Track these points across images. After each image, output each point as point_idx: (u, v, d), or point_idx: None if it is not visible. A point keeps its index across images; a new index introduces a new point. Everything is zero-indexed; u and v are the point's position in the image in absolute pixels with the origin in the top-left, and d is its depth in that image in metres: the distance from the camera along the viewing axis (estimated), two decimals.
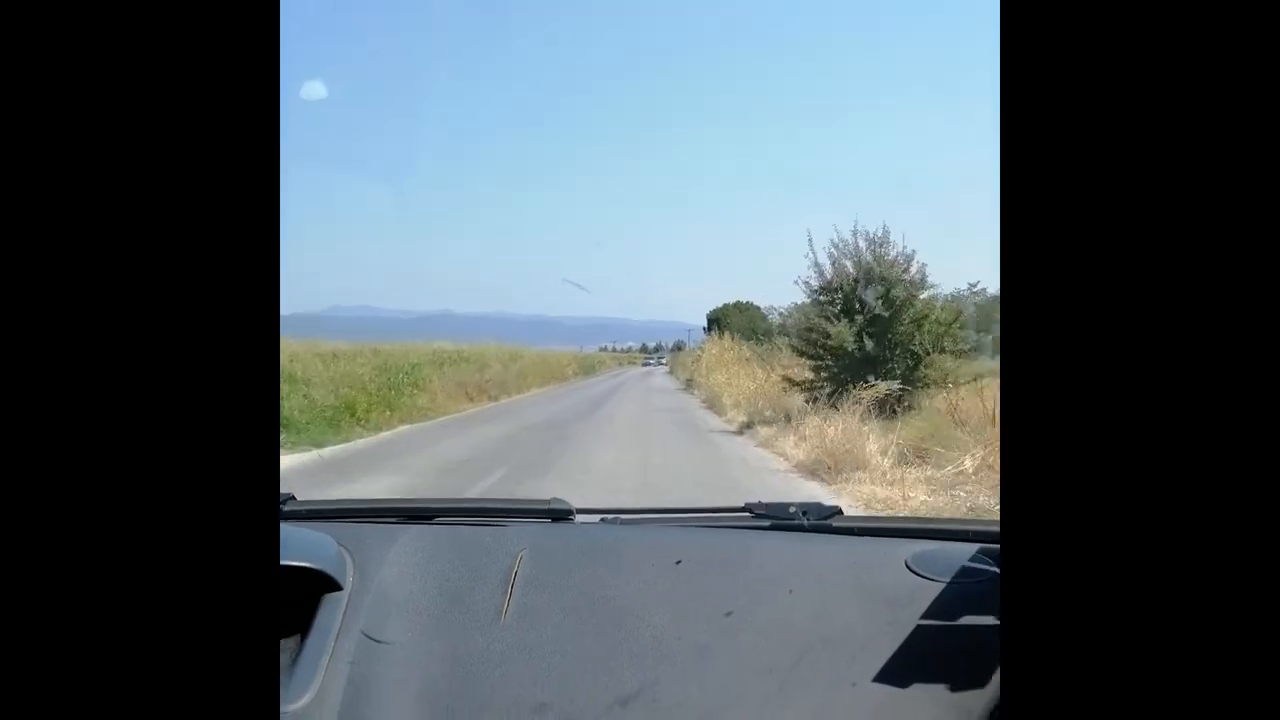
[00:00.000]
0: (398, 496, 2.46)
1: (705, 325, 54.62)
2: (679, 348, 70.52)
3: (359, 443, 10.98)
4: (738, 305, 54.17)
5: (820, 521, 1.18)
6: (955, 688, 0.88)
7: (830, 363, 11.54)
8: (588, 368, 46.73)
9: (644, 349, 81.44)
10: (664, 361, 61.95)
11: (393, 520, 1.26)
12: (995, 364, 5.47)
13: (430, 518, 1.27)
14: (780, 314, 16.17)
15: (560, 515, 1.26)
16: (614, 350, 60.48)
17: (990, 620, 0.92)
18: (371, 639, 0.97)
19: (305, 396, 12.51)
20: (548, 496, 1.28)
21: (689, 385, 26.01)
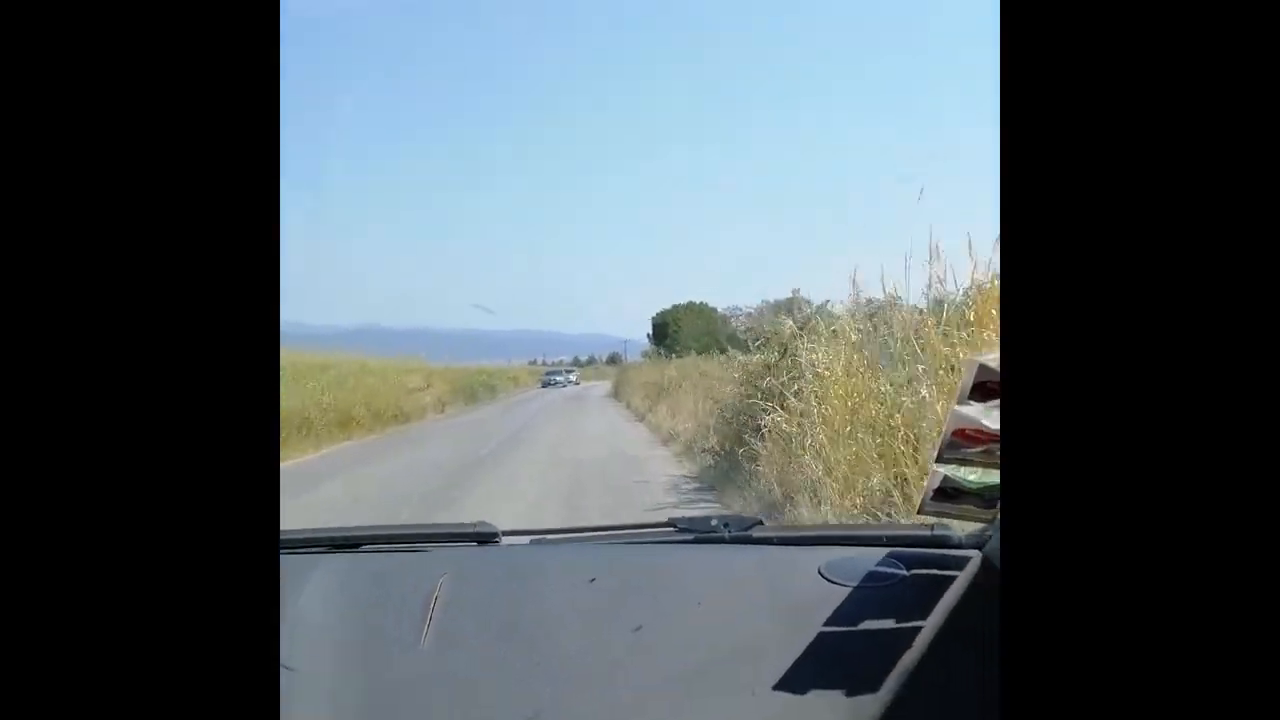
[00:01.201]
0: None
1: (650, 332, 45.10)
2: (614, 360, 66.17)
3: None
4: (690, 307, 44.88)
5: (740, 533, 1.19)
6: (851, 692, 0.90)
7: None
8: (468, 392, 27.38)
9: (576, 362, 74.51)
10: (574, 379, 45.45)
11: (318, 550, 1.24)
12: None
13: (356, 546, 1.26)
14: (744, 314, 13.91)
15: (485, 538, 1.26)
16: (544, 364, 56.12)
17: (890, 623, 0.96)
18: (286, 667, 0.95)
19: None
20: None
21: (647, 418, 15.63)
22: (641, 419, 16.56)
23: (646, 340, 45.44)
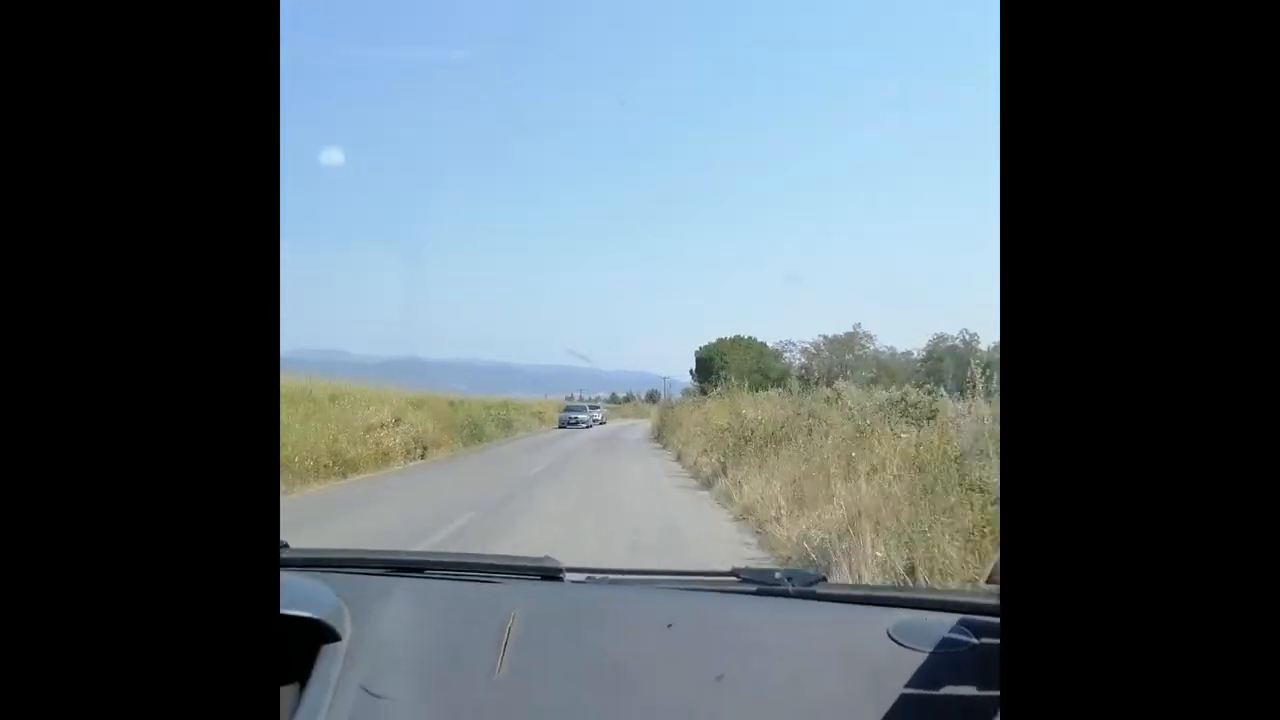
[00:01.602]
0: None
1: (693, 368, 40.37)
2: (653, 398, 61.99)
3: None
4: (737, 341, 40.83)
5: (805, 588, 1.19)
6: None
7: None
8: (471, 430, 21.37)
9: (614, 399, 69.30)
10: (599, 417, 39.25)
11: (384, 572, 1.28)
12: None
13: (420, 570, 1.28)
14: (799, 349, 9.48)
15: (550, 574, 1.26)
16: (580, 400, 51.42)
17: (970, 690, 0.96)
18: (370, 694, 0.99)
19: None
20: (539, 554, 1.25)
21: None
22: (708, 485, 10.98)
23: (690, 377, 41.15)
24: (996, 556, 0.92)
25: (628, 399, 71.92)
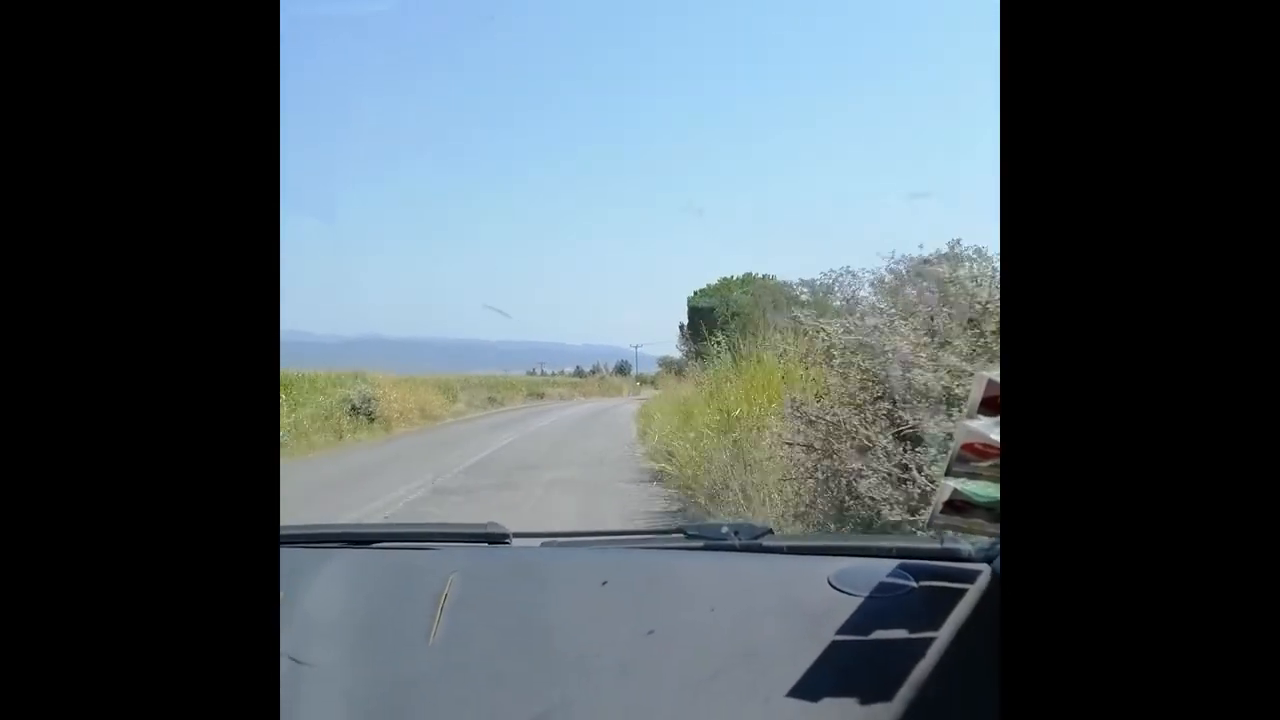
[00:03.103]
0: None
1: (684, 323, 30.50)
2: (623, 370, 57.73)
3: None
4: (746, 280, 28.61)
5: (751, 541, 1.20)
6: (862, 701, 0.91)
7: None
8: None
9: (579, 373, 63.93)
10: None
11: (330, 545, 1.26)
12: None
13: (369, 543, 1.27)
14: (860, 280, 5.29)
15: (496, 539, 1.26)
16: (541, 374, 47.37)
17: (902, 634, 0.97)
18: (295, 660, 0.97)
19: None
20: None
21: None
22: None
23: (678, 337, 31.33)
24: (935, 499, 0.93)
25: (594, 372, 66.37)
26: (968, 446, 0.84)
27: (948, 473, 0.89)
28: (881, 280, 4.92)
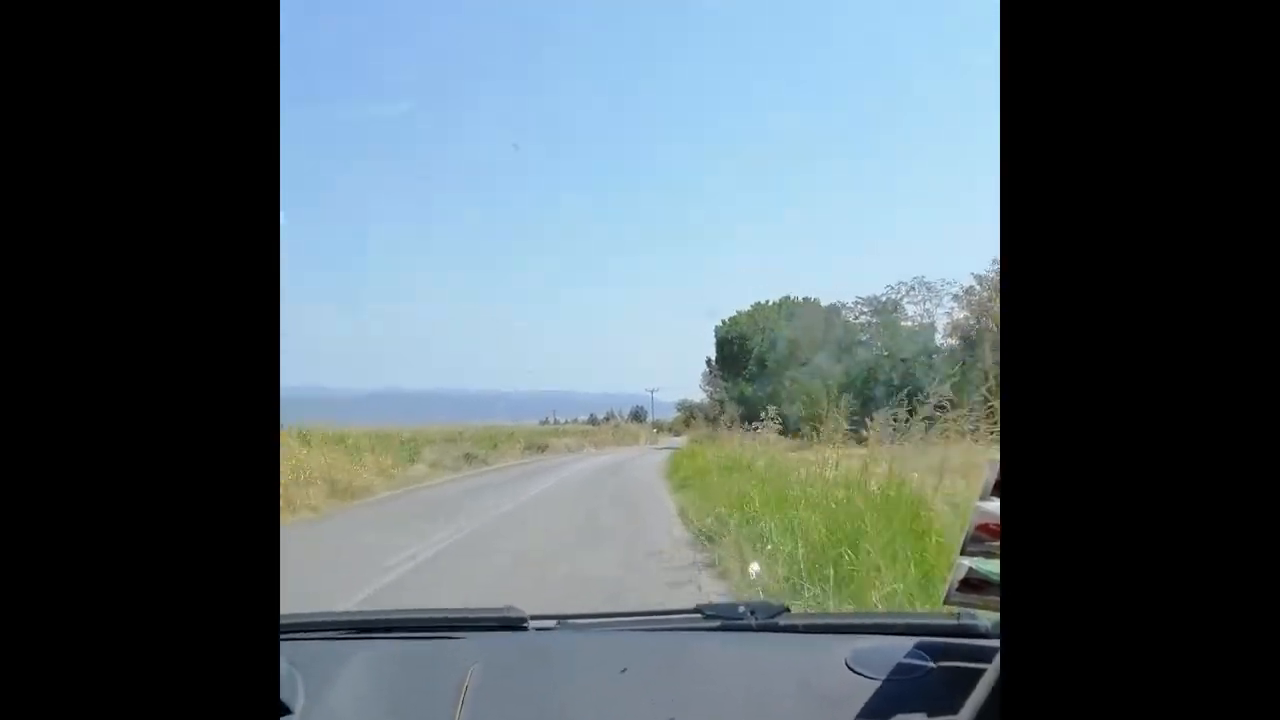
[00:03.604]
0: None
1: (712, 357, 28.25)
2: (639, 417, 57.83)
3: None
4: (785, 304, 25.82)
5: (767, 620, 1.21)
6: None
7: None
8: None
9: (592, 421, 63.68)
10: None
11: (344, 636, 1.26)
12: None
13: (380, 631, 1.28)
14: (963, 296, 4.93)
15: (513, 624, 1.27)
16: (554, 423, 47.32)
17: (920, 718, 0.97)
18: None
19: None
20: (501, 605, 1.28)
21: None
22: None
23: (705, 372, 28.77)
24: (951, 576, 0.93)
25: (607, 419, 66.02)
26: (982, 527, 0.86)
27: (963, 551, 0.91)
28: (969, 291, 4.37)
